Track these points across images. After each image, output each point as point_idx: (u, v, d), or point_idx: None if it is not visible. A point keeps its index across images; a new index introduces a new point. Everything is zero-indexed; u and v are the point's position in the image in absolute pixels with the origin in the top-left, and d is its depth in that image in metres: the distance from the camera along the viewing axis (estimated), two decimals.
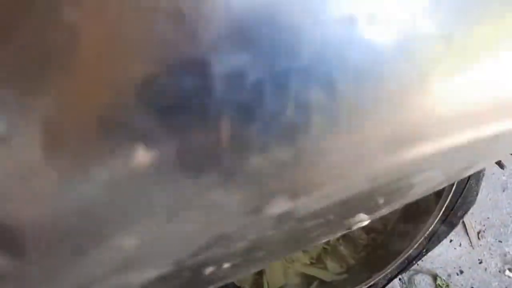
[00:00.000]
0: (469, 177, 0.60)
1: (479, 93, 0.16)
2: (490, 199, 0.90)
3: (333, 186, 0.16)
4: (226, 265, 0.23)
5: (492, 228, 0.88)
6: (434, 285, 0.84)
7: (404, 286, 0.84)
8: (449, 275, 0.85)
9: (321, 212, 0.19)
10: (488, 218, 0.89)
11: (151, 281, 0.17)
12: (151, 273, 0.17)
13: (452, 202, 0.60)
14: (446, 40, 0.14)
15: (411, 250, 0.59)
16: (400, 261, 0.59)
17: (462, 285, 0.84)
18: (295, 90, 0.13)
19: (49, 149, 0.11)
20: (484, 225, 0.88)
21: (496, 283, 0.85)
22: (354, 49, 0.13)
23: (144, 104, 0.11)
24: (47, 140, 0.11)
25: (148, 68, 0.11)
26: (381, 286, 0.58)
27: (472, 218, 0.88)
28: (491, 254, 0.87)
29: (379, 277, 0.58)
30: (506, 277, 0.85)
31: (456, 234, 0.86)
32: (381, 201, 0.24)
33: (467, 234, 0.87)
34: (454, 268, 0.86)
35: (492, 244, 0.87)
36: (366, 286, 0.59)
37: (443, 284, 0.84)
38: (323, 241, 0.32)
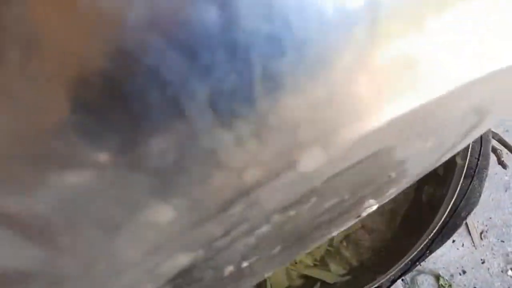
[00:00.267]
0: (472, 177, 0.60)
1: None
2: (492, 199, 0.90)
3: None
4: (244, 264, 0.23)
5: (494, 228, 0.88)
6: (436, 285, 0.84)
7: (407, 286, 0.83)
8: (451, 275, 0.85)
9: (340, 184, 0.19)
10: (490, 218, 0.89)
11: (181, 272, 0.17)
12: (182, 260, 0.17)
13: (455, 204, 0.59)
14: None
15: (414, 252, 0.59)
16: (403, 263, 0.59)
17: (464, 285, 0.84)
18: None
19: None
20: (486, 225, 0.88)
21: (499, 283, 0.85)
22: None
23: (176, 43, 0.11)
24: None
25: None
26: (385, 287, 0.58)
27: (475, 218, 0.88)
28: (494, 254, 0.87)
29: (383, 279, 0.58)
30: (509, 277, 0.85)
31: (459, 234, 0.86)
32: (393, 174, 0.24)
33: (470, 234, 0.87)
34: (457, 268, 0.86)
35: (494, 244, 0.87)
36: None
37: (445, 284, 0.84)
38: (334, 233, 0.32)
